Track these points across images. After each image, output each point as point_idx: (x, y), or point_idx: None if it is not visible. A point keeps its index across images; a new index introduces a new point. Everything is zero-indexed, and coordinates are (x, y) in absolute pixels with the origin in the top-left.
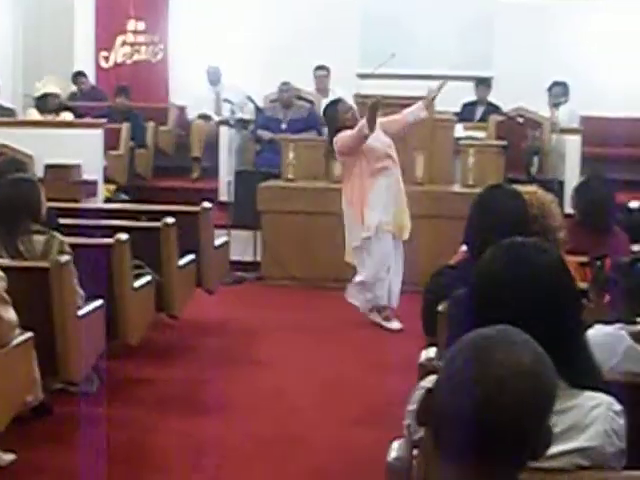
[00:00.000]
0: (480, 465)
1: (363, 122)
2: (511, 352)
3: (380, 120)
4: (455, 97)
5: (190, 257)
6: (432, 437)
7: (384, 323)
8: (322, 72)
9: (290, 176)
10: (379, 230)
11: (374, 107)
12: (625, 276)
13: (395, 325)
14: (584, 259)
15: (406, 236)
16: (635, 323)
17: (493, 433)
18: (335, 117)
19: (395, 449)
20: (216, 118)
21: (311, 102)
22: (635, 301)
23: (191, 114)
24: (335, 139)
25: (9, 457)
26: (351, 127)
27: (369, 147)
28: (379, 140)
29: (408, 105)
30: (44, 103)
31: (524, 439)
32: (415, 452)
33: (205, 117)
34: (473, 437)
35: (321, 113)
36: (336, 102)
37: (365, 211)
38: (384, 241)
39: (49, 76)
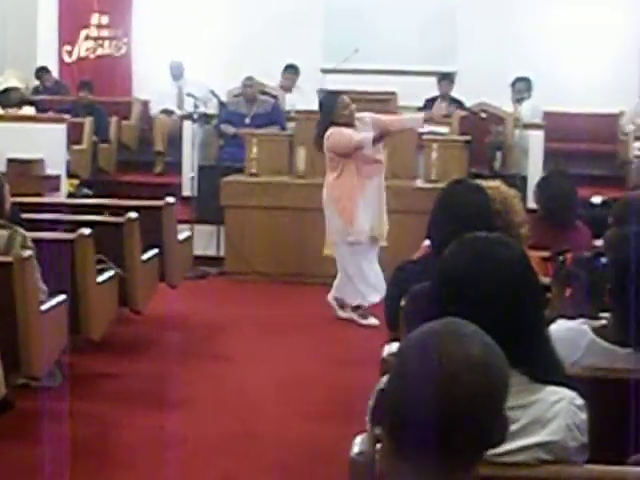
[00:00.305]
0: (438, 460)
1: (368, 138)
2: (460, 345)
3: (372, 115)
4: (418, 92)
5: (153, 252)
6: (387, 436)
7: (360, 320)
8: (291, 74)
9: (253, 171)
10: (367, 236)
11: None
12: (587, 271)
13: (372, 321)
14: (546, 254)
15: (384, 242)
16: (598, 318)
17: (449, 428)
18: (332, 110)
19: (358, 444)
20: (179, 113)
21: (275, 97)
22: (597, 296)
23: (154, 109)
24: (328, 133)
25: None
26: (345, 124)
27: (361, 152)
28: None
29: (372, 100)
30: (6, 98)
31: (480, 430)
32: (378, 447)
33: (168, 112)
34: (429, 433)
35: (284, 108)
36: (335, 95)
37: (355, 214)
38: (367, 245)
39: (10, 70)
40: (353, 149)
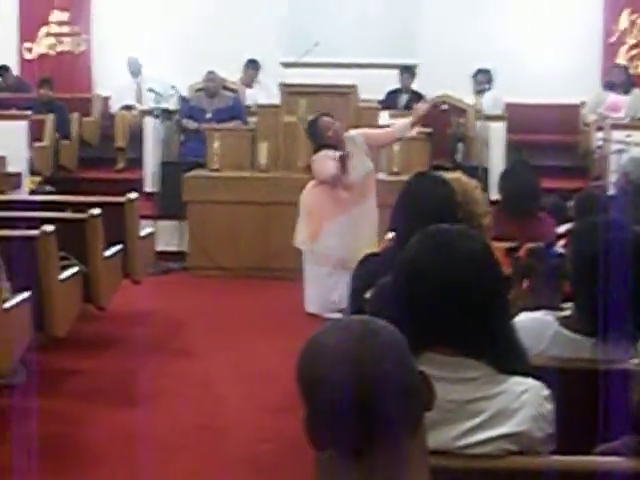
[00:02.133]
0: (379, 446)
1: (337, 174)
2: (338, 331)
3: (364, 132)
4: (380, 85)
5: (116, 248)
6: (329, 456)
7: (324, 314)
8: (252, 69)
9: (215, 166)
10: (331, 263)
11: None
12: (542, 261)
13: (336, 315)
14: (511, 245)
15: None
16: (559, 308)
17: (368, 407)
18: (317, 134)
19: None
20: (139, 108)
21: (236, 92)
22: (554, 285)
23: (115, 105)
24: (314, 157)
25: None
26: (334, 145)
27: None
28: (356, 170)
29: (333, 94)
30: None
31: (405, 400)
32: None
33: (128, 108)
34: (353, 425)
35: (245, 103)
36: (317, 119)
37: (320, 233)
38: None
39: None
40: (329, 181)
